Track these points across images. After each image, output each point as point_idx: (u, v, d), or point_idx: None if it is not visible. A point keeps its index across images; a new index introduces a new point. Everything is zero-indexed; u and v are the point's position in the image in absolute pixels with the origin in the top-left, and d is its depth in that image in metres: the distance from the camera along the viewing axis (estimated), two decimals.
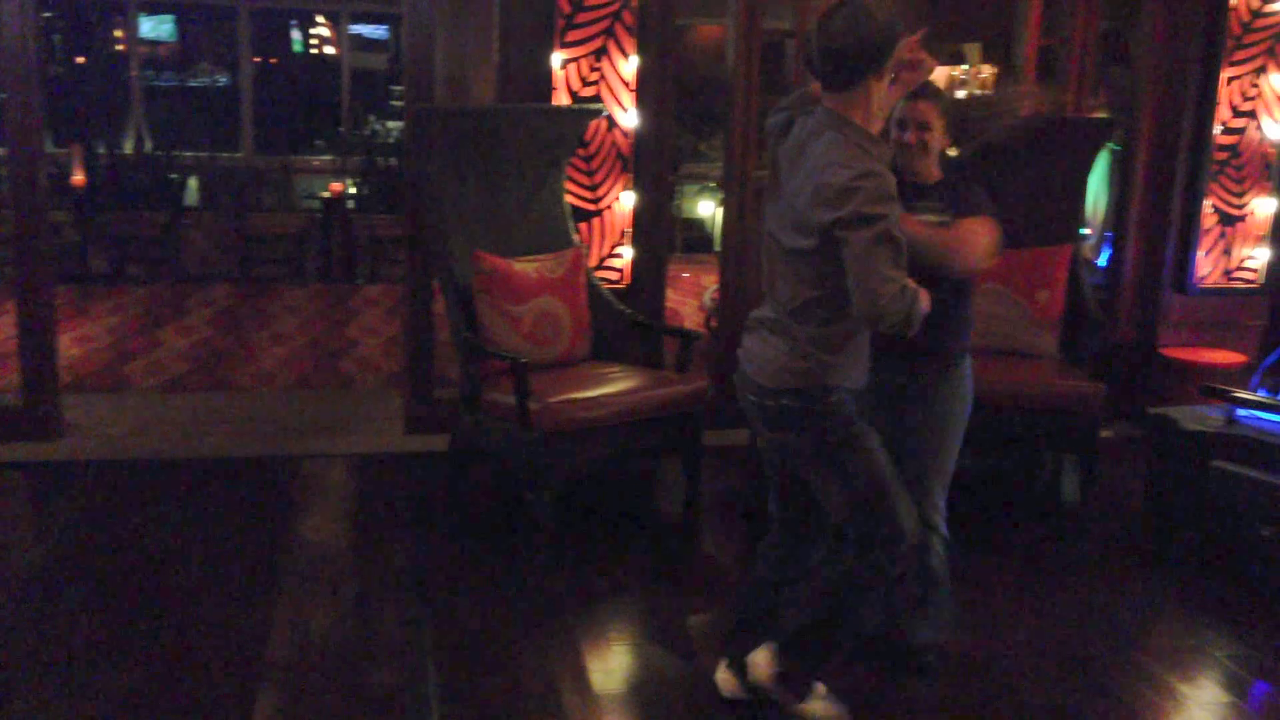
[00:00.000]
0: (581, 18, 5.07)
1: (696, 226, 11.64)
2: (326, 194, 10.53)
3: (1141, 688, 3.47)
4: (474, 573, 4.16)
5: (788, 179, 2.89)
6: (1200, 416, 4.78)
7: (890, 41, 2.75)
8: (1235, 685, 3.54)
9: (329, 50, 13.89)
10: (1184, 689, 3.49)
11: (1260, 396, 4.81)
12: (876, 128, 2.83)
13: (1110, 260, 6.13)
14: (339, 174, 11.31)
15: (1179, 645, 3.78)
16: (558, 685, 3.40)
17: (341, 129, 12.69)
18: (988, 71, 7.45)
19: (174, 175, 11.47)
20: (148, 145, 11.88)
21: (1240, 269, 5.86)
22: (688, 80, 12.85)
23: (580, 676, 3.46)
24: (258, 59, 13.07)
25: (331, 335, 7.74)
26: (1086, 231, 6.92)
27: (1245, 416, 4.69)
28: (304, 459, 5.21)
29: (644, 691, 3.44)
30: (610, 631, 3.77)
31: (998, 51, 7.86)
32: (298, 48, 14.10)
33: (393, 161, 10.98)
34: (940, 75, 9.49)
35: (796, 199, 2.82)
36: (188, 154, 11.76)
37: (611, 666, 3.54)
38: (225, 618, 3.72)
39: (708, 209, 11.41)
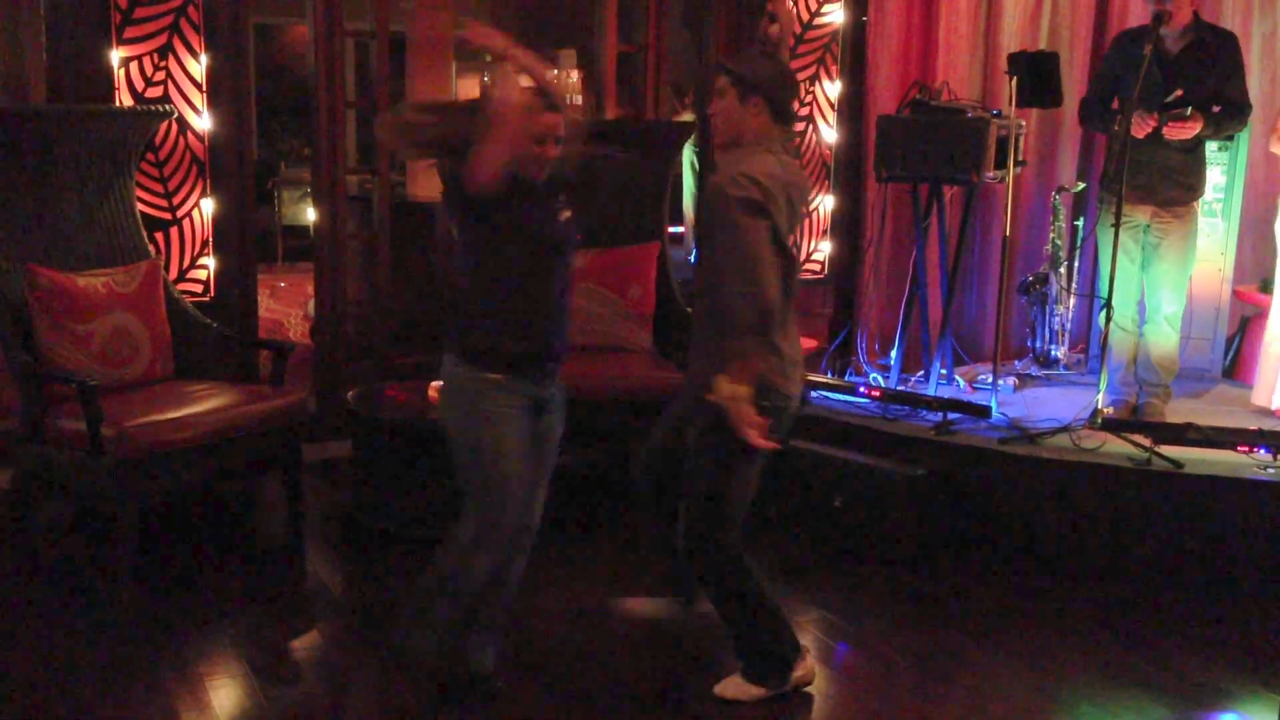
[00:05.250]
0: (141, 13, 4.71)
1: (301, 234, 11.24)
2: None
3: (734, 660, 3.65)
4: (44, 621, 3.78)
5: None
6: None
7: None
8: (820, 649, 3.80)
9: None
10: None
11: (828, 378, 5.26)
12: None
13: (696, 256, 6.46)
14: None
15: None
16: None
17: None
18: (576, 75, 7.68)
19: None
20: None
21: (808, 261, 6.35)
22: (285, 82, 12.39)
23: (168, 717, 3.22)
24: None
25: None
26: (680, 230, 7.29)
27: (817, 397, 5.12)
28: None
29: None
30: (203, 666, 3.53)
31: (588, 57, 8.11)
32: None
33: None
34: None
35: None
36: None
37: (205, 703, 3.32)
38: None
39: (312, 215, 11.06)
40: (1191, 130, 4.74)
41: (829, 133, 6.22)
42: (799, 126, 6.12)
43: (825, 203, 6.31)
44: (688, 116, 7.03)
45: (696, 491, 3.32)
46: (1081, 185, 6.03)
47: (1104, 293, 4.80)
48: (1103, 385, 4.73)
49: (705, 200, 3.22)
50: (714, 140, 3.31)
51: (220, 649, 3.68)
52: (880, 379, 5.35)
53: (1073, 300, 5.96)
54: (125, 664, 3.50)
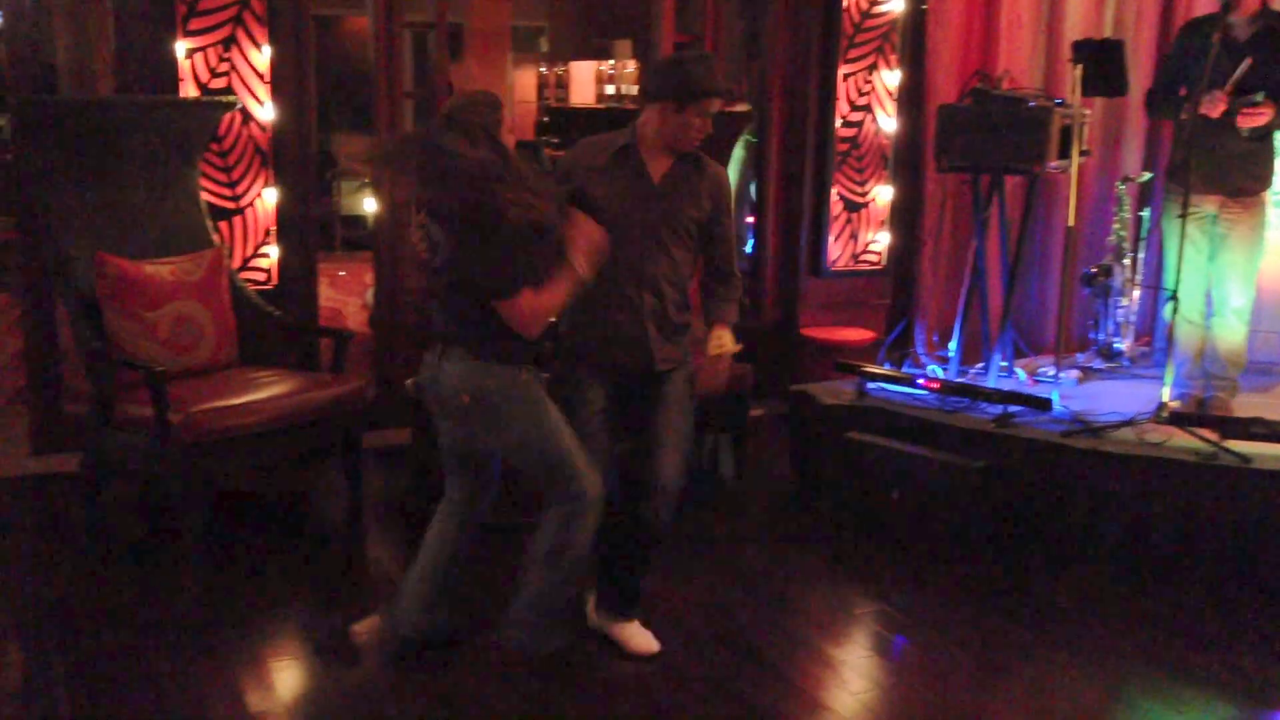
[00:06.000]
0: (206, 4, 4.80)
1: (359, 223, 11.34)
2: None
3: (797, 654, 3.64)
4: (115, 600, 3.85)
5: None
6: (836, 391, 5.13)
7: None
8: (878, 642, 3.79)
9: None
10: (833, 651, 3.70)
11: (886, 370, 5.22)
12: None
13: (754, 247, 6.46)
14: None
15: (828, 609, 4.02)
16: (208, 709, 3.20)
17: None
18: (633, 66, 7.68)
19: None
20: None
21: (865, 252, 6.32)
22: (343, 73, 12.50)
23: (234, 697, 3.27)
24: None
25: None
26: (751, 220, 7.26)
27: (874, 389, 5.08)
28: None
29: (303, 706, 3.30)
30: (267, 648, 3.59)
31: (643, 48, 8.11)
32: None
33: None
34: (588, 70, 9.71)
35: None
36: None
37: (269, 684, 3.37)
38: None
39: (370, 205, 11.16)
40: (1264, 118, 4.64)
41: (887, 122, 6.16)
42: (857, 116, 6.08)
43: (883, 193, 6.26)
44: (742, 107, 7.00)
45: (683, 447, 3.45)
46: (1147, 175, 5.92)
47: (1170, 284, 4.71)
48: (1168, 379, 4.64)
49: (713, 188, 3.43)
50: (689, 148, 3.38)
51: (283, 631, 3.74)
52: (939, 371, 5.29)
53: (1137, 292, 5.86)
54: (191, 645, 3.56)
